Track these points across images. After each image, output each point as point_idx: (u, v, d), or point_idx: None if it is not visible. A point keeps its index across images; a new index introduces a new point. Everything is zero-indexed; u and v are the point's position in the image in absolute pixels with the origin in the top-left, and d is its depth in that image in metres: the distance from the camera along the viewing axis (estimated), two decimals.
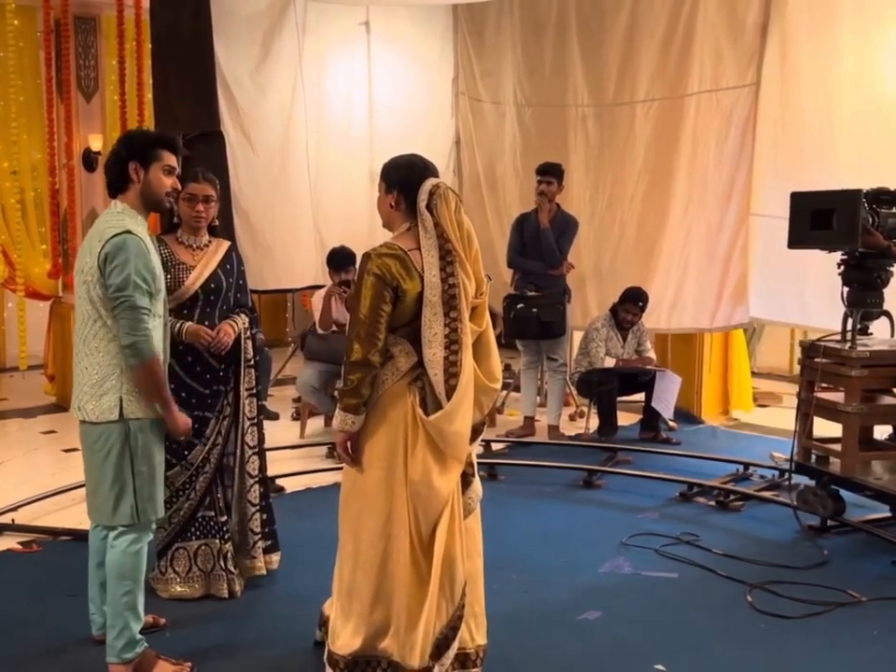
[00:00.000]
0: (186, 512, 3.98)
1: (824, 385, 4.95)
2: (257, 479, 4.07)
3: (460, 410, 3.02)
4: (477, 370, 3.09)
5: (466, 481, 3.17)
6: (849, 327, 4.86)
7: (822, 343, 4.87)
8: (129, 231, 3.12)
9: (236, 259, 4.09)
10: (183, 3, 6.70)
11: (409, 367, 3.08)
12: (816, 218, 4.82)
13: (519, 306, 6.85)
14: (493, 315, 3.39)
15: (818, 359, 4.86)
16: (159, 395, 3.19)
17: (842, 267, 4.90)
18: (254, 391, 4.06)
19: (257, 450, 4.08)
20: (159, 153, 3.27)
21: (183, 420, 3.30)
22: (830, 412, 4.88)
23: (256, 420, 4.07)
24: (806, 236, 4.91)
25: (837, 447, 4.86)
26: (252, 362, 4.04)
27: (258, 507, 4.08)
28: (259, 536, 4.09)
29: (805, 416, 4.97)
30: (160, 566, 4.01)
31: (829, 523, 4.88)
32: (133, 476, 3.19)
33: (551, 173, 6.84)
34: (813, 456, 5.02)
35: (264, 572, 4.11)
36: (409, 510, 3.06)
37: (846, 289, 4.88)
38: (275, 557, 4.20)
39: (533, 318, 6.78)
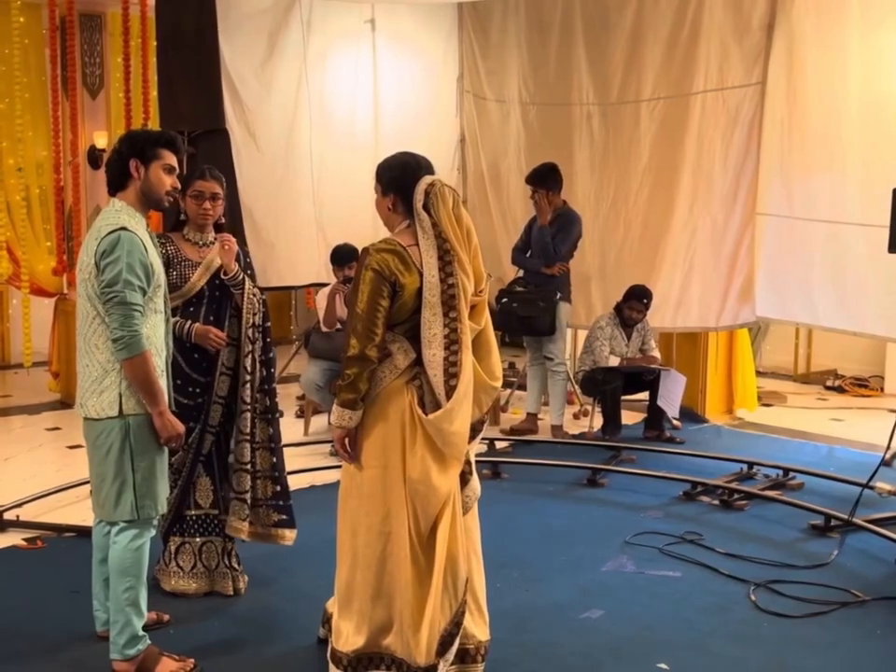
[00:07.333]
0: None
1: None
2: (247, 438, 3.96)
3: (460, 409, 3.02)
4: (477, 367, 3.09)
5: (464, 479, 3.17)
6: None
7: None
8: (124, 228, 3.13)
9: (241, 254, 4.08)
10: (188, 0, 6.70)
11: (407, 365, 3.09)
12: None
13: (503, 300, 6.92)
14: (493, 313, 3.37)
15: None
16: (146, 391, 3.17)
17: None
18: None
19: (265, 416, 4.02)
20: (159, 152, 3.28)
21: (173, 425, 3.24)
22: None
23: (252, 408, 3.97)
24: None
25: None
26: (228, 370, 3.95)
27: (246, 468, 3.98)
28: (237, 497, 3.96)
29: None
30: (164, 556, 4.02)
31: (832, 522, 4.87)
32: (133, 472, 3.20)
33: (539, 183, 6.82)
34: None
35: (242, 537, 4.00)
36: (408, 508, 3.06)
37: None
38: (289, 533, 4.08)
39: (512, 313, 6.79)
